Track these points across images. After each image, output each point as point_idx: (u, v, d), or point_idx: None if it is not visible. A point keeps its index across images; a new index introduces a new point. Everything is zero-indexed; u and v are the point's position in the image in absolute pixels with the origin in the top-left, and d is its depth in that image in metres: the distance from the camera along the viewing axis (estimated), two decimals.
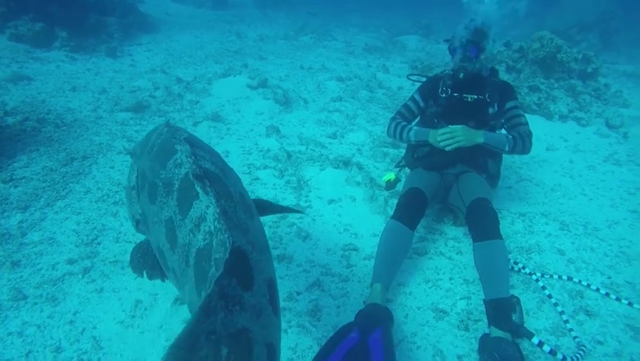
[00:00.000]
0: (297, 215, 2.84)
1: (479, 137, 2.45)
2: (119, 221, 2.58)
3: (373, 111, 4.97)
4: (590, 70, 5.82)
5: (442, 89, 2.66)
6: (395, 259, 2.22)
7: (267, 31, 9.45)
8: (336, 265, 2.43)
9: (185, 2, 10.79)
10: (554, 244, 2.73)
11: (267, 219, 2.75)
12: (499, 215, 2.40)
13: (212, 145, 3.74)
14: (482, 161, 2.67)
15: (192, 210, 1.00)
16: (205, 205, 0.97)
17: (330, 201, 3.03)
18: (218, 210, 0.94)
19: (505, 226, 2.86)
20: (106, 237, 2.44)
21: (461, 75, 2.51)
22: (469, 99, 2.59)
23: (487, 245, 2.20)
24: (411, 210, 2.41)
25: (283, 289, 2.21)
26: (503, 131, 2.77)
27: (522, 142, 2.52)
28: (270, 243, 2.56)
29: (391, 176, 3.02)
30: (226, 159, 3.52)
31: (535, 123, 4.71)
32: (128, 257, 2.34)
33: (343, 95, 5.33)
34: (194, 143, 1.22)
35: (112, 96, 4.55)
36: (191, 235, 0.98)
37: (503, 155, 2.75)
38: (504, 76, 5.55)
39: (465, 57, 2.50)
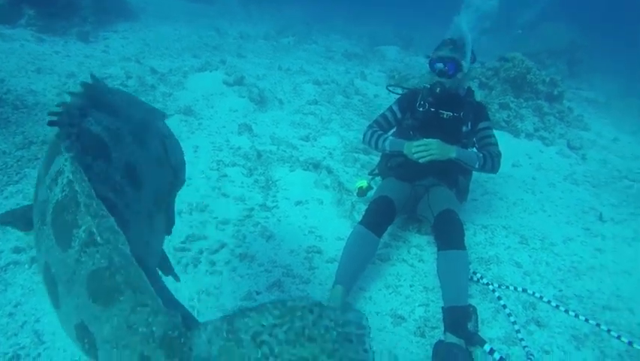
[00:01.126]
0: (263, 215, 2.80)
1: (452, 152, 2.52)
2: None
3: (348, 117, 5.00)
4: (556, 93, 6.08)
5: (419, 102, 2.73)
6: (359, 264, 2.24)
7: (249, 29, 9.37)
8: (299, 267, 2.41)
9: None
10: (513, 256, 2.82)
11: (231, 217, 2.71)
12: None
13: (182, 139, 3.65)
14: (453, 176, 2.76)
15: (53, 165, 0.94)
16: (64, 158, 0.91)
17: (298, 203, 3.01)
18: (71, 155, 0.88)
19: (467, 237, 2.90)
20: None
21: (438, 90, 2.57)
22: (445, 116, 2.67)
23: (451, 254, 2.27)
24: (379, 217, 2.44)
25: (242, 288, 2.17)
26: (474, 149, 2.85)
27: (492, 161, 2.62)
28: (233, 241, 2.52)
29: (364, 183, 3.05)
30: (195, 154, 3.45)
31: (504, 140, 4.86)
32: None
33: (319, 99, 5.34)
34: (99, 101, 1.12)
35: (80, 81, 4.37)
36: (49, 190, 0.92)
37: (473, 172, 2.84)
38: (477, 92, 5.71)
39: (443, 73, 2.56)
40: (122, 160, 1.02)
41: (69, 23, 6.17)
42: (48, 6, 6.09)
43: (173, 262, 2.25)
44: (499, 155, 2.68)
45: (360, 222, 2.40)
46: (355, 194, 3.09)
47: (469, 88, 2.80)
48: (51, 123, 0.95)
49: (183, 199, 2.79)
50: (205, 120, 4.13)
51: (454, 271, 2.22)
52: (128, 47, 6.18)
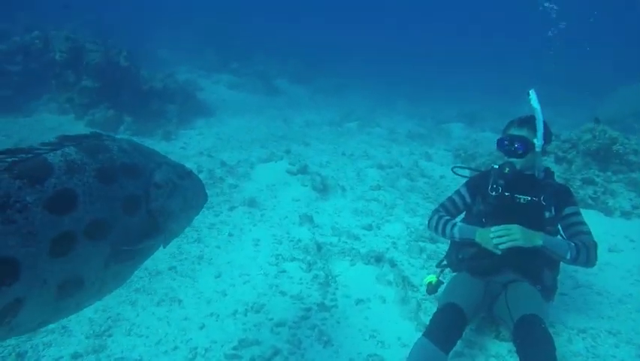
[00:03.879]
0: (321, 316, 2.62)
1: (538, 239, 2.23)
2: (136, 311, 2.51)
3: (413, 201, 4.82)
4: None
5: (492, 186, 2.49)
6: None
7: (314, 116, 9.94)
8: None
9: (240, 90, 11.80)
10: None
11: (288, 318, 2.56)
12: (552, 330, 2.05)
13: (244, 232, 3.71)
14: (537, 270, 2.38)
15: None
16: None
17: (358, 302, 2.79)
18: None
19: (560, 345, 2.44)
20: (118, 328, 2.36)
21: (507, 170, 2.37)
22: (522, 200, 2.41)
23: None
24: (446, 330, 2.12)
25: None
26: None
27: (587, 252, 2.27)
28: (288, 347, 2.35)
29: (432, 278, 2.74)
30: (255, 248, 3.45)
31: (593, 219, 4.27)
32: (135, 354, 2.22)
33: (382, 184, 5.26)
34: (85, 144, 1.26)
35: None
36: None
37: (561, 265, 2.46)
38: (553, 167, 5.26)
39: (511, 152, 2.38)
40: (56, 186, 1.13)
41: (156, 124, 7.06)
42: (143, 112, 7.08)
43: None
44: (594, 245, 2.32)
45: (425, 335, 2.10)
46: (425, 291, 2.78)
47: (548, 169, 2.53)
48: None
49: (239, 298, 2.73)
50: (268, 211, 4.21)
51: None
52: (203, 142, 6.80)
